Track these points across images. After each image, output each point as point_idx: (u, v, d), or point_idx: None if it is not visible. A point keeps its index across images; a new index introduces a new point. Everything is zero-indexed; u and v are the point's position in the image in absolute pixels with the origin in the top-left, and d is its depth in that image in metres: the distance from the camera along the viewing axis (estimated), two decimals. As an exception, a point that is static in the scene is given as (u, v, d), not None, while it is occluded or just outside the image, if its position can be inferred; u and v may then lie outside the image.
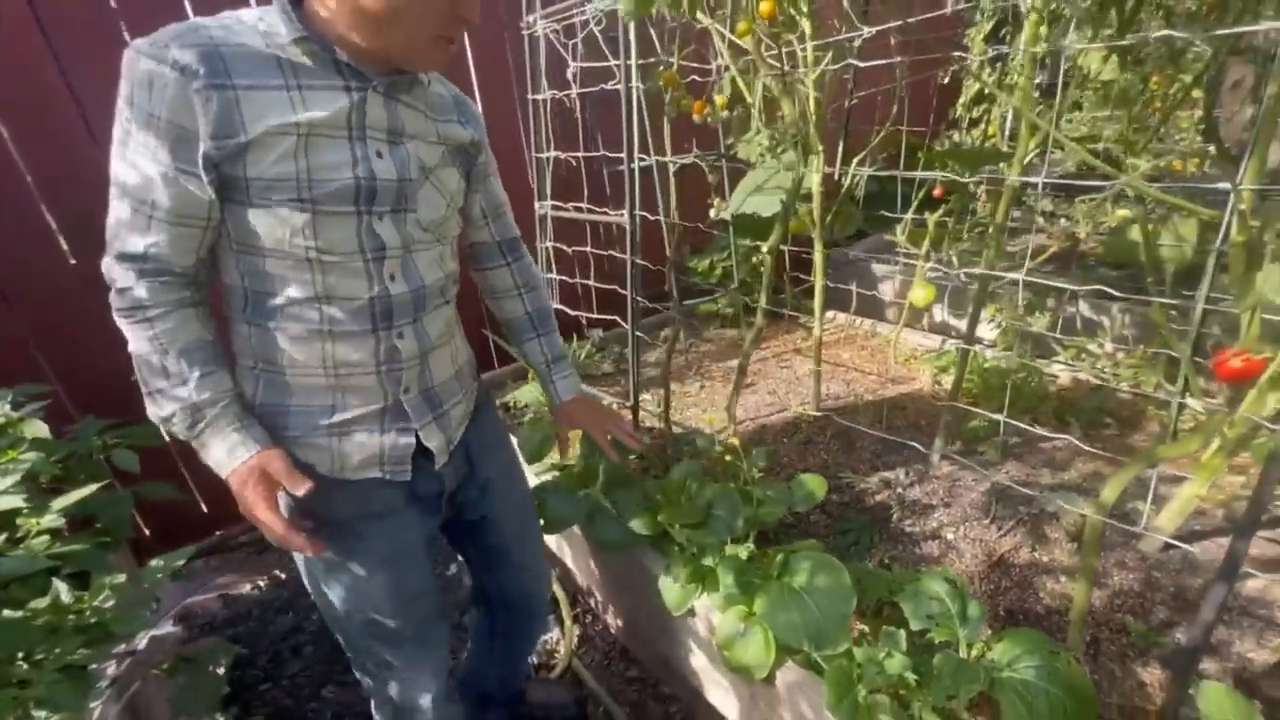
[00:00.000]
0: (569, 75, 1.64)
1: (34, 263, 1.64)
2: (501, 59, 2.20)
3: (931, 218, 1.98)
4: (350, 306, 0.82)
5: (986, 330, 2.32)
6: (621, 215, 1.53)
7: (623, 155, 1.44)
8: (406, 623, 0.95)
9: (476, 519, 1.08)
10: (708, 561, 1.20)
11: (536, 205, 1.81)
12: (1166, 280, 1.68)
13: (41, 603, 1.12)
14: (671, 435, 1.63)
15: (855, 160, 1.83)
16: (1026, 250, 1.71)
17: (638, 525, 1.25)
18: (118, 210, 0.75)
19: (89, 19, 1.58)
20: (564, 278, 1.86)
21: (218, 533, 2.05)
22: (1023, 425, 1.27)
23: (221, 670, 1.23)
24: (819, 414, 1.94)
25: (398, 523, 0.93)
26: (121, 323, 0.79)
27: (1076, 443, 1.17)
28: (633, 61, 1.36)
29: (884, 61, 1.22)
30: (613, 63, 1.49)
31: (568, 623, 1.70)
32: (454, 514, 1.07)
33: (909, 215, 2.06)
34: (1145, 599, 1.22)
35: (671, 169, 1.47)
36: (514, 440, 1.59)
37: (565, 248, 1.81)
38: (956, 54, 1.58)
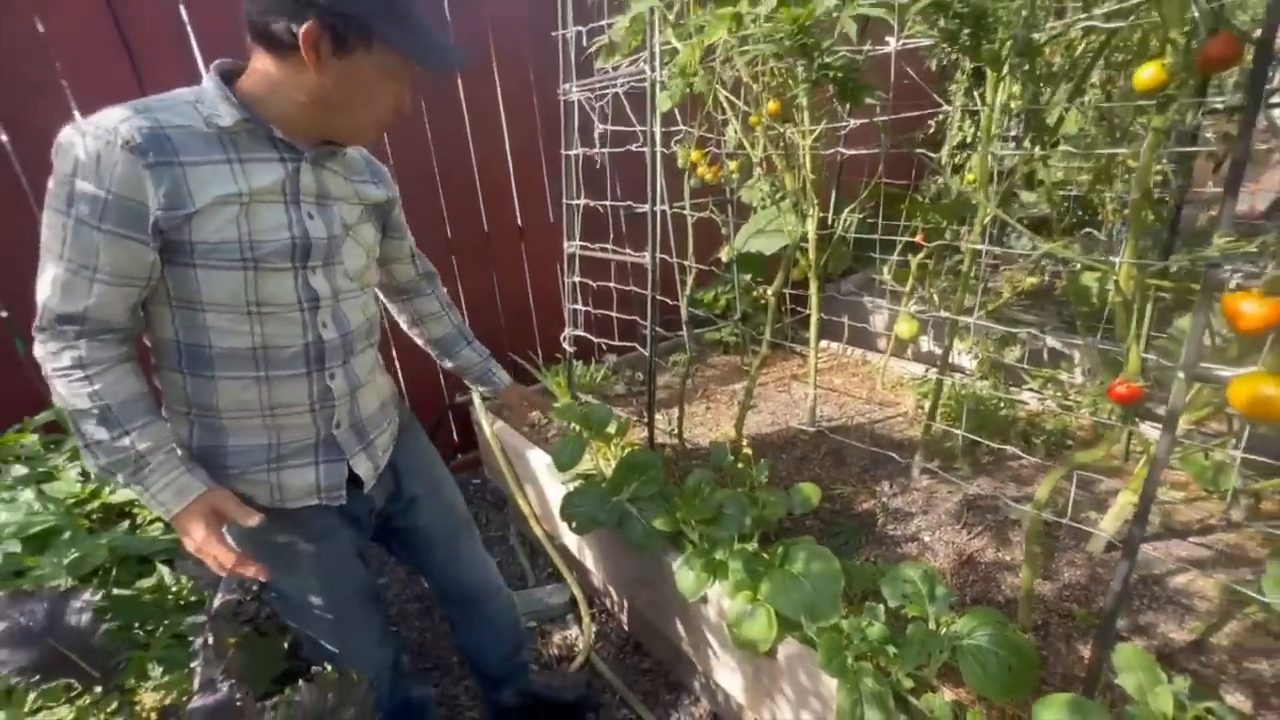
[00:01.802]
0: (597, 135, 1.89)
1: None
2: (531, 122, 2.48)
3: (914, 259, 2.23)
4: (286, 353, 0.92)
5: (967, 360, 2.56)
6: (643, 256, 1.77)
7: (638, 203, 1.68)
8: (341, 623, 1.09)
9: (405, 528, 1.22)
10: (719, 555, 1.40)
11: (565, 245, 2.05)
12: (1140, 320, 1.93)
13: (147, 583, 1.32)
14: (684, 449, 1.84)
15: (847, 210, 2.08)
16: (998, 289, 1.96)
17: (659, 523, 1.46)
18: (55, 275, 0.80)
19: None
20: (587, 309, 2.09)
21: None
22: (992, 445, 1.49)
23: (286, 645, 1.41)
24: (814, 432, 2.16)
25: (333, 541, 1.05)
26: (57, 382, 0.83)
27: (1038, 461, 1.40)
28: (657, 129, 1.61)
29: (868, 120, 1.47)
30: (638, 128, 1.74)
31: (586, 620, 1.87)
32: (383, 525, 1.20)
33: (893, 257, 2.32)
34: (1089, 590, 1.43)
35: (690, 219, 1.70)
36: (537, 452, 1.79)
37: (590, 282, 2.04)
38: (938, 112, 1.83)
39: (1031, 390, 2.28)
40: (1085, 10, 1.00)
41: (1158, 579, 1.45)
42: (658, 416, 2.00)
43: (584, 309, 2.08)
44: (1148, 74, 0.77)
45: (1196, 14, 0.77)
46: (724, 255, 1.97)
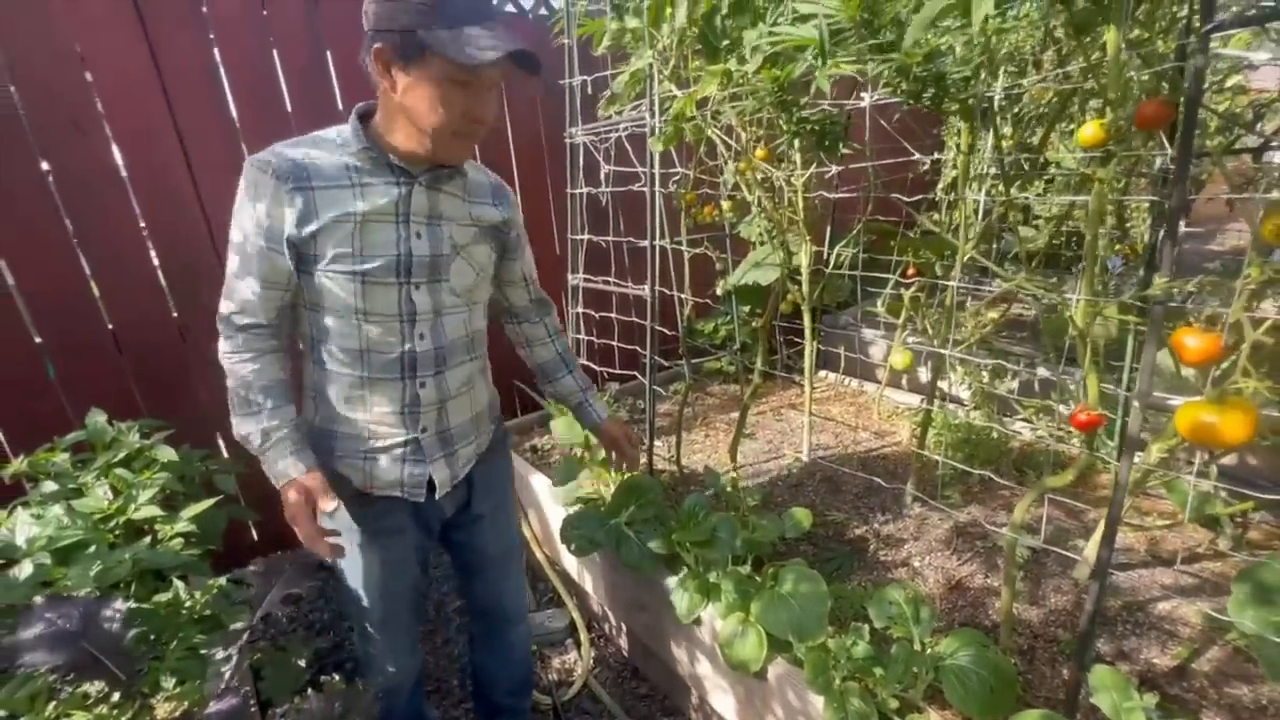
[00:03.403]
0: (601, 175, 2.01)
1: (145, 314, 1.95)
2: (540, 163, 2.61)
3: (908, 293, 2.31)
4: (384, 358, 1.03)
5: (963, 391, 2.61)
6: (643, 288, 1.86)
7: (640, 240, 1.78)
8: (386, 618, 1.21)
9: (465, 542, 1.30)
10: (713, 578, 1.45)
11: (569, 277, 2.15)
12: (1100, 352, 1.99)
13: (164, 597, 1.38)
14: (681, 474, 1.90)
15: (840, 244, 2.17)
16: (987, 321, 2.03)
17: (655, 545, 1.51)
18: (229, 277, 1.01)
19: (213, 128, 1.96)
20: (590, 338, 2.18)
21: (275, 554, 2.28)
22: (981, 474, 1.54)
23: (303, 662, 1.46)
24: (809, 460, 2.21)
25: (401, 537, 1.16)
26: (224, 362, 1.04)
27: (1027, 490, 1.44)
28: (655, 170, 1.72)
29: (847, 165, 1.57)
30: (639, 169, 1.85)
31: (585, 645, 1.91)
32: (446, 535, 1.28)
33: (887, 290, 2.40)
34: (1074, 616, 1.46)
35: (686, 255, 1.80)
36: (539, 477, 1.85)
37: (593, 313, 2.13)
38: (914, 159, 1.93)
39: (1025, 420, 2.33)
40: (1037, 71, 1.09)
41: (1141, 605, 1.48)
42: (657, 443, 2.07)
43: (587, 338, 2.17)
44: (1089, 132, 0.86)
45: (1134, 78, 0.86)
46: (719, 289, 2.05)
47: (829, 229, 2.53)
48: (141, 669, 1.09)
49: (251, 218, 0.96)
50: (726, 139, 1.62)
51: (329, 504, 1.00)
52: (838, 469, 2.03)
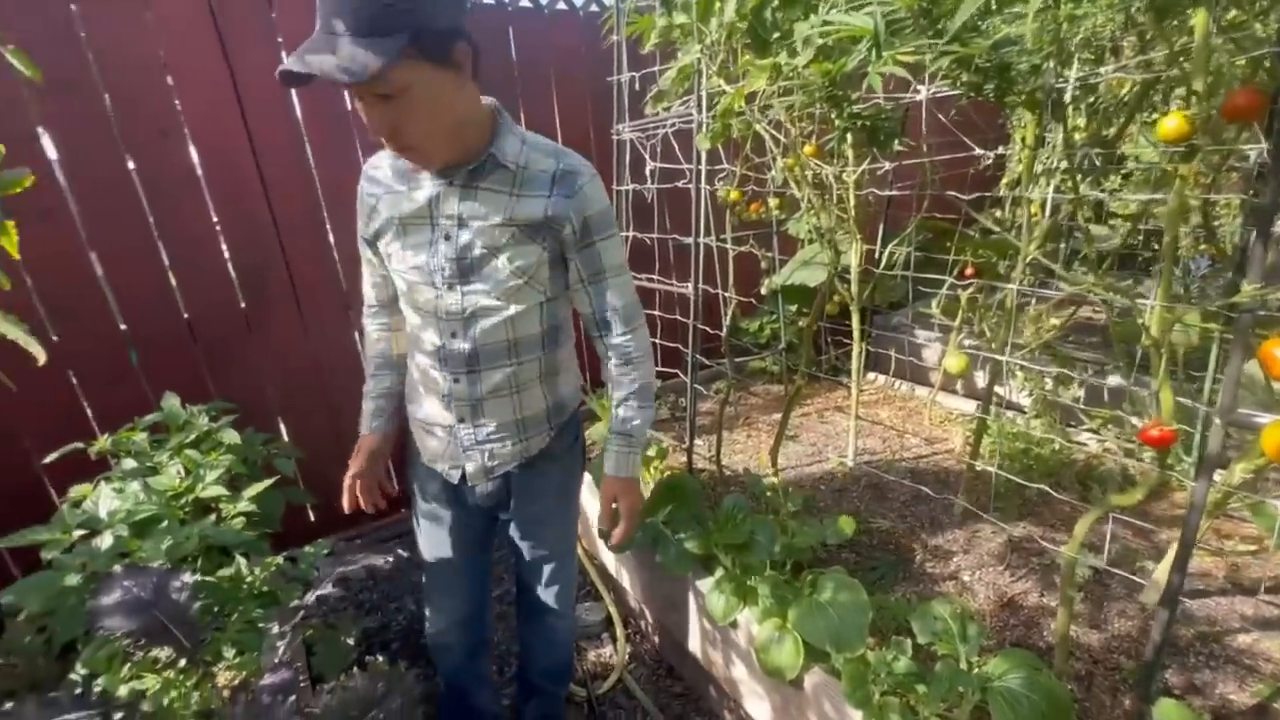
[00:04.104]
0: (647, 171, 2.00)
1: (216, 306, 2.07)
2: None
3: (965, 294, 2.21)
4: (428, 350, 1.10)
5: (1023, 398, 2.48)
6: (686, 286, 1.84)
7: (684, 237, 1.76)
8: (430, 579, 1.33)
9: (508, 534, 1.33)
10: (750, 581, 1.43)
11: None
12: (1179, 361, 1.85)
13: (226, 572, 1.46)
14: (721, 475, 1.88)
15: (892, 243, 2.10)
16: (1051, 327, 1.92)
17: (692, 546, 1.50)
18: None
19: (280, 132, 2.06)
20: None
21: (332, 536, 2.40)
22: (1040, 487, 1.45)
23: (351, 640, 1.53)
24: (854, 465, 2.15)
25: (444, 509, 1.25)
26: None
27: (1087, 506, 1.36)
28: (701, 166, 1.70)
29: (901, 161, 1.50)
30: (685, 165, 1.84)
31: (620, 640, 1.92)
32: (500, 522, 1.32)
33: (942, 291, 2.30)
34: (1140, 643, 1.36)
35: (730, 252, 1.78)
36: (586, 475, 1.87)
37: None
38: (975, 155, 1.83)
39: (1090, 431, 2.19)
40: (1115, 59, 1.01)
41: (1218, 636, 1.37)
42: (698, 442, 2.05)
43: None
44: (1171, 125, 0.79)
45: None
46: (764, 287, 2.01)
47: (882, 227, 2.44)
48: (205, 639, 1.17)
49: (358, 214, 1.13)
50: (775, 134, 1.59)
51: (352, 468, 1.21)
52: (884, 475, 1.96)
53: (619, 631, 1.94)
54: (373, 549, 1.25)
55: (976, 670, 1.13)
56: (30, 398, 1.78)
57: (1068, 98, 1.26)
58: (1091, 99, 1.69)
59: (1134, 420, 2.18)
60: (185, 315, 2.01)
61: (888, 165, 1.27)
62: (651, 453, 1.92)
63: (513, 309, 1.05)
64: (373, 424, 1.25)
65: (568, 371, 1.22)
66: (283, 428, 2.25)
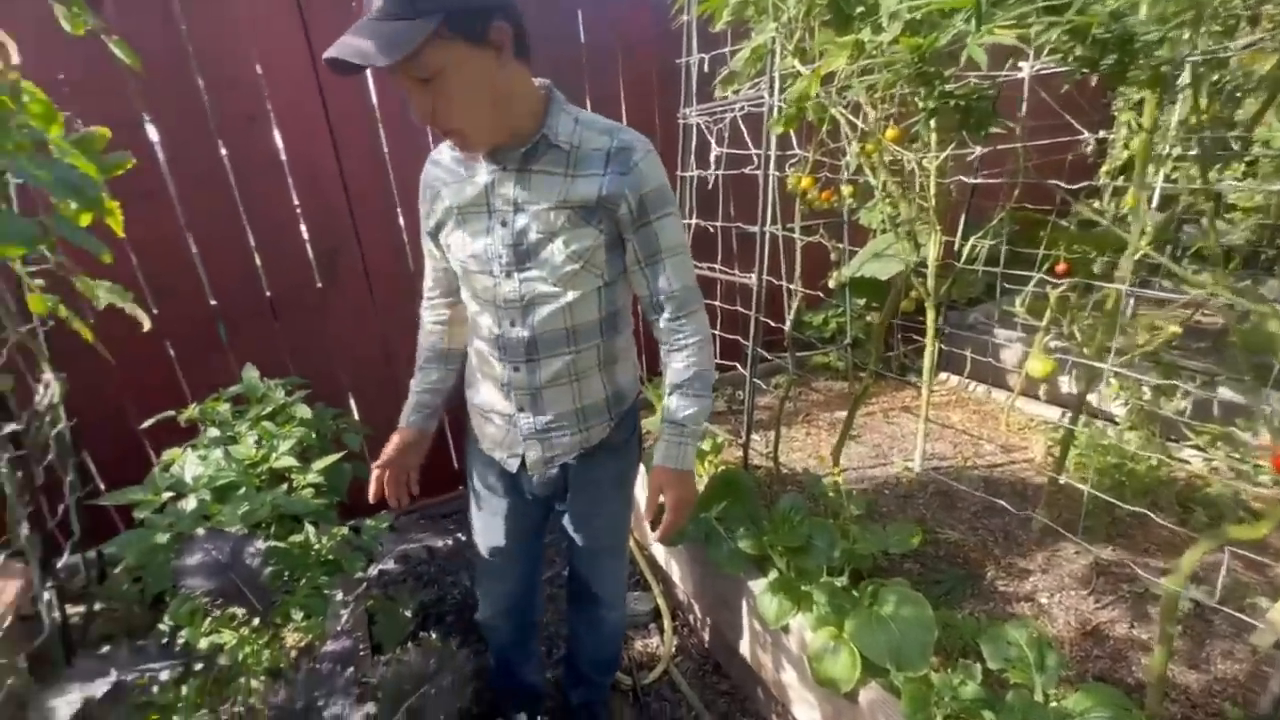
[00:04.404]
0: (712, 157, 1.94)
1: (295, 285, 2.18)
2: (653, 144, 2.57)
3: (1055, 292, 2.03)
4: (487, 338, 1.10)
5: (1117, 408, 2.27)
6: (749, 276, 1.78)
7: (750, 226, 1.70)
8: (482, 563, 1.35)
9: (562, 523, 1.31)
10: (805, 586, 1.38)
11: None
12: (1314, 375, 1.63)
13: (297, 539, 1.53)
14: (778, 473, 1.82)
15: (974, 236, 1.95)
16: (1167, 334, 1.74)
17: (745, 545, 1.46)
18: None
19: (357, 119, 2.13)
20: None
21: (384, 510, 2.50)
22: (1134, 509, 1.32)
23: (409, 613, 1.58)
24: (922, 471, 2.03)
25: (499, 496, 1.25)
26: None
27: (1192, 532, 1.22)
28: (771, 152, 1.63)
29: (995, 147, 1.38)
30: (753, 151, 1.77)
31: (667, 632, 1.90)
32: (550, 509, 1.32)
33: (1029, 287, 2.12)
34: (1248, 690, 1.22)
35: (799, 242, 1.70)
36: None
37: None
38: (1079, 139, 1.66)
39: (1196, 448, 1.98)
40: (1252, 29, 0.87)
41: (1347, 690, 1.20)
42: (754, 437, 2.00)
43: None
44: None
45: None
46: (833, 280, 1.92)
47: (963, 217, 2.28)
48: (275, 601, 1.23)
49: (420, 207, 1.13)
50: (852, 118, 1.49)
51: (380, 458, 1.23)
52: (954, 483, 1.85)
53: (666, 623, 1.92)
54: (433, 525, 1.30)
55: (1055, 703, 1.04)
56: (133, 367, 1.93)
57: (1190, 75, 1.10)
58: (1218, 76, 1.50)
59: (1249, 439, 1.95)
60: (268, 294, 2.13)
61: (978, 150, 1.16)
62: (706, 446, 1.88)
63: (570, 295, 1.02)
64: (411, 418, 1.24)
65: (627, 360, 1.19)
66: (352, 404, 2.35)
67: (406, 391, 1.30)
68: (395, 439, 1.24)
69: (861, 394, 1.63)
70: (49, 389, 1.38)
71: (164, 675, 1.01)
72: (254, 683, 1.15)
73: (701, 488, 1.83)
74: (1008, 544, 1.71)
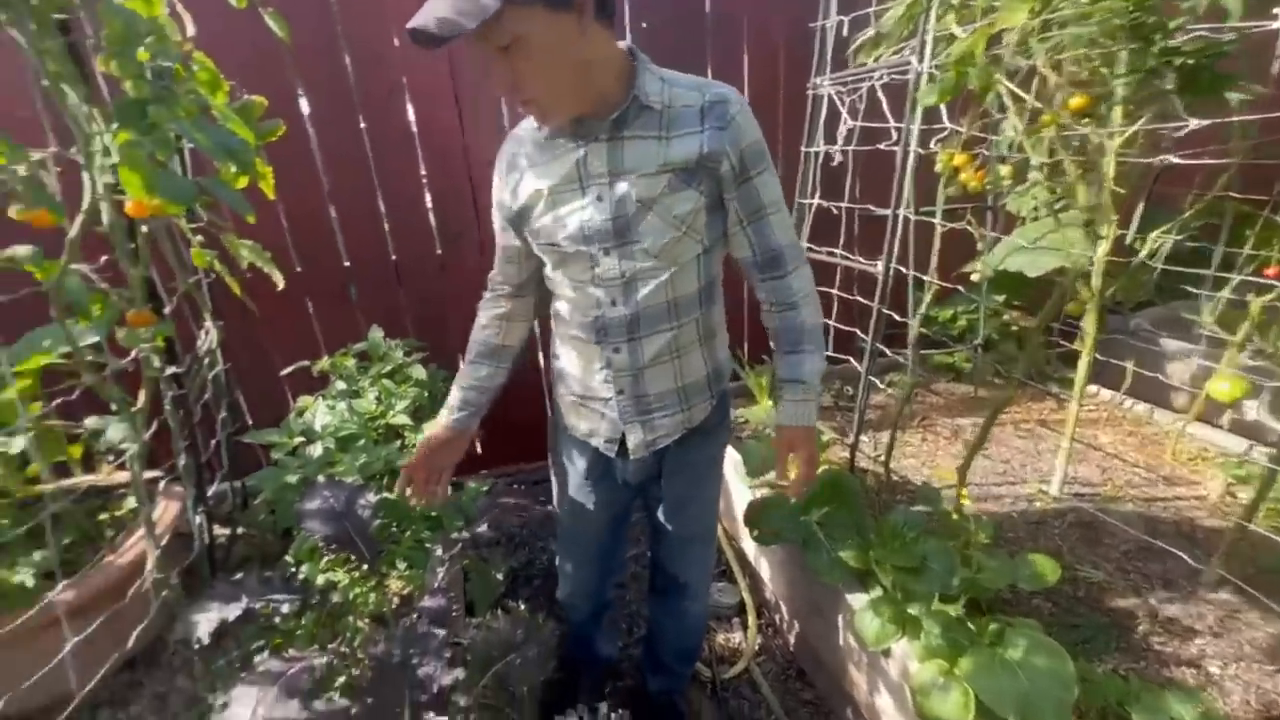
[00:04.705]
0: (842, 131, 1.77)
1: (418, 251, 2.29)
2: (773, 116, 2.42)
3: (1258, 300, 1.68)
4: (582, 321, 1.04)
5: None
6: (874, 264, 1.62)
7: (880, 208, 1.53)
8: (566, 545, 1.37)
9: (651, 508, 1.29)
10: (913, 610, 1.25)
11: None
12: None
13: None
14: (888, 479, 1.67)
15: (1158, 230, 1.64)
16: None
17: (848, 555, 1.35)
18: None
19: (483, 94, 2.16)
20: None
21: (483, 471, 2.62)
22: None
23: (500, 576, 1.64)
24: (1061, 497, 1.79)
25: (589, 482, 1.21)
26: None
27: None
28: (914, 126, 1.45)
29: (1219, 120, 1.11)
30: (891, 125, 1.59)
31: (751, 629, 1.83)
32: (641, 494, 1.28)
33: (1223, 293, 1.77)
34: None
35: (939, 228, 1.51)
36: (735, 455, 1.78)
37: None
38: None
39: None
40: None
41: None
42: (863, 439, 1.85)
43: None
44: None
45: None
46: (975, 273, 1.70)
47: (1141, 206, 1.93)
48: (382, 551, 1.31)
49: (494, 194, 1.08)
50: (1016, 90, 1.28)
51: (414, 459, 1.16)
52: (1100, 515, 1.60)
53: (751, 620, 1.85)
54: (527, 491, 1.32)
55: (1228, 801, 0.86)
56: (278, 320, 2.13)
57: None
58: None
59: None
60: (394, 258, 2.26)
61: (1193, 123, 0.93)
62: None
63: (671, 266, 0.98)
64: (452, 416, 1.17)
65: (722, 334, 1.16)
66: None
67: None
68: (429, 437, 1.17)
69: (1003, 404, 1.43)
70: (209, 335, 1.55)
71: (285, 607, 1.09)
72: (360, 623, 1.23)
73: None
74: (1167, 595, 1.45)
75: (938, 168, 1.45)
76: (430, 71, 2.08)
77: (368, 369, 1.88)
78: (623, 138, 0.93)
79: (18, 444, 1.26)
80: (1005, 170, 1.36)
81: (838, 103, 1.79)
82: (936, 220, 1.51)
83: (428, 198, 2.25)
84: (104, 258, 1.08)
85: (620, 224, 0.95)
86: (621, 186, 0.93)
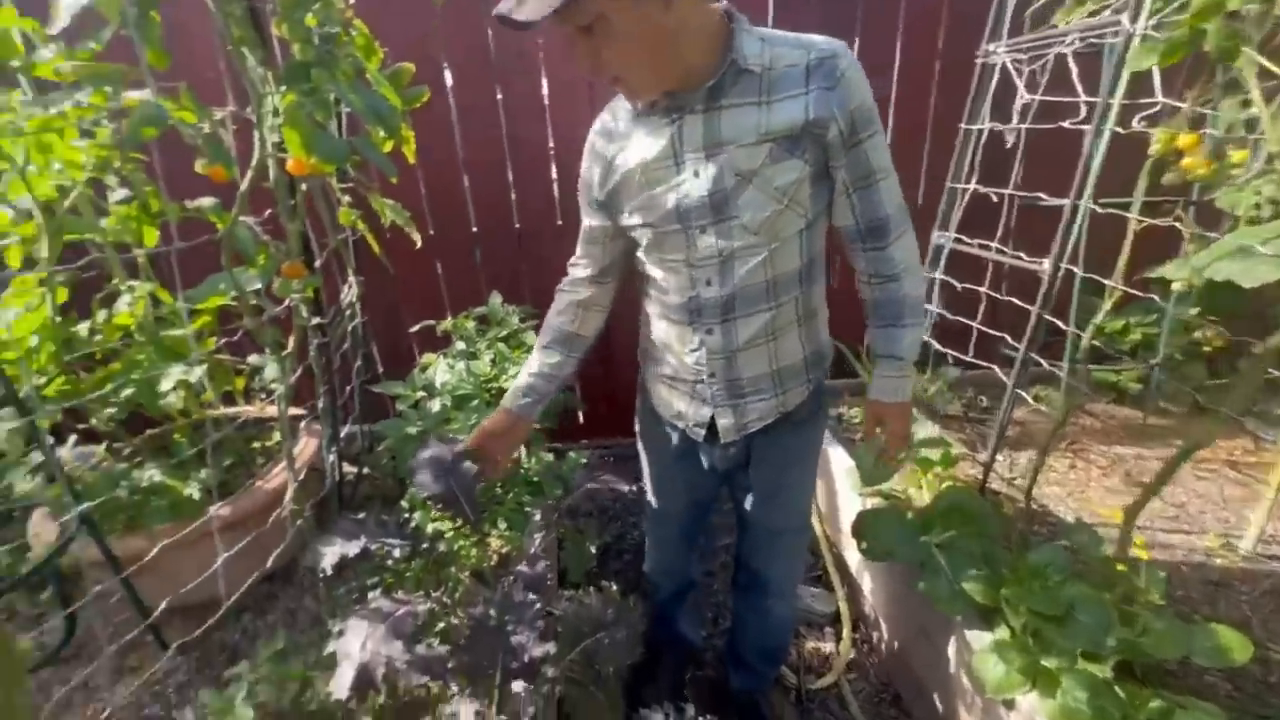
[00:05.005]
0: (1018, 105, 1.54)
1: (540, 221, 2.32)
2: (924, 88, 2.18)
3: None
4: (675, 301, 1.00)
5: None
6: (1039, 262, 1.41)
7: (1055, 197, 1.31)
8: (652, 523, 1.38)
9: (739, 499, 1.24)
10: (1049, 662, 1.09)
11: (935, 234, 1.78)
12: None
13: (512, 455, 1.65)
14: (1028, 509, 1.47)
15: None
16: None
17: (973, 589, 1.20)
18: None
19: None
20: (941, 311, 1.80)
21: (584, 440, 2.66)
22: None
23: (594, 548, 1.66)
24: (1254, 556, 1.48)
25: (675, 464, 1.20)
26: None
27: None
28: (1115, 100, 1.22)
29: None
30: (1082, 99, 1.35)
31: (845, 641, 1.72)
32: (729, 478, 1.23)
33: None
34: None
35: (1134, 225, 1.28)
36: (838, 450, 1.65)
37: (954, 282, 1.74)
38: None
39: None
40: None
41: None
42: (998, 458, 1.64)
43: (938, 310, 1.80)
44: None
45: None
46: (1175, 279, 1.41)
47: None
48: (484, 511, 1.35)
49: (583, 174, 1.05)
50: (1263, 61, 1.02)
51: (469, 442, 1.15)
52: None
53: (846, 632, 1.74)
54: (623, 466, 1.30)
55: None
56: (411, 279, 2.27)
57: None
58: None
59: None
60: (517, 226, 2.31)
61: None
62: (934, 456, 1.60)
63: (772, 242, 0.93)
64: (516, 402, 1.13)
65: (823, 314, 1.09)
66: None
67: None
68: (485, 427, 1.15)
69: (1201, 442, 1.18)
70: (351, 289, 1.67)
71: (397, 551, 1.16)
72: (461, 575, 1.29)
73: (920, 500, 1.57)
74: (1399, 699, 1.16)
75: (1153, 149, 1.20)
76: (561, 43, 2.07)
77: (486, 332, 1.95)
78: (720, 107, 0.87)
79: (196, 373, 1.44)
80: (1238, 155, 1.10)
81: (1013, 73, 1.55)
82: (1132, 214, 1.27)
83: (553, 169, 2.28)
84: (267, 211, 1.18)
85: (718, 199, 0.90)
86: (717, 161, 0.88)
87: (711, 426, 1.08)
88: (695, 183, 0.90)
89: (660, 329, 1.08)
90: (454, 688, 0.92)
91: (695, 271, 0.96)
